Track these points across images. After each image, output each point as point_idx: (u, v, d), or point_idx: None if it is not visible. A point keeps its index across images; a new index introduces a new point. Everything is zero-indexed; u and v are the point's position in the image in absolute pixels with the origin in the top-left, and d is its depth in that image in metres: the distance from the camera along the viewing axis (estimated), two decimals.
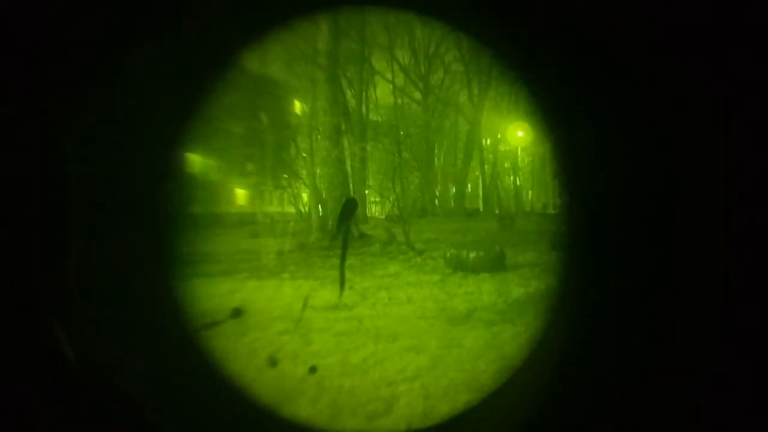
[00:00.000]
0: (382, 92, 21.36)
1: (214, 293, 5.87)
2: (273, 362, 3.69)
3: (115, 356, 1.81)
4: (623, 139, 1.61)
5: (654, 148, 1.51)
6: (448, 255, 8.26)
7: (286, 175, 16.20)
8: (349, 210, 6.67)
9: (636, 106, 1.53)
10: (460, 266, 7.83)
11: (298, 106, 19.59)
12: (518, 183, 25.83)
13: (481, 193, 24.93)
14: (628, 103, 1.55)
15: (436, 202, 23.47)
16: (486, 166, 23.84)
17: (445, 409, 2.99)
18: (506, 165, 26.87)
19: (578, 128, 1.74)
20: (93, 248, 1.94)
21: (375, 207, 25.57)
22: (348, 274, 7.31)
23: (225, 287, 6.72)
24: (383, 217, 19.87)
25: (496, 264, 7.69)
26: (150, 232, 2.21)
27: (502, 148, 25.06)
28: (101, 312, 1.88)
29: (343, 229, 6.40)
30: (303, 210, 15.84)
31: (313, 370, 3.54)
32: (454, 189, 23.83)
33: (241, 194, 20.61)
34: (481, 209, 23.00)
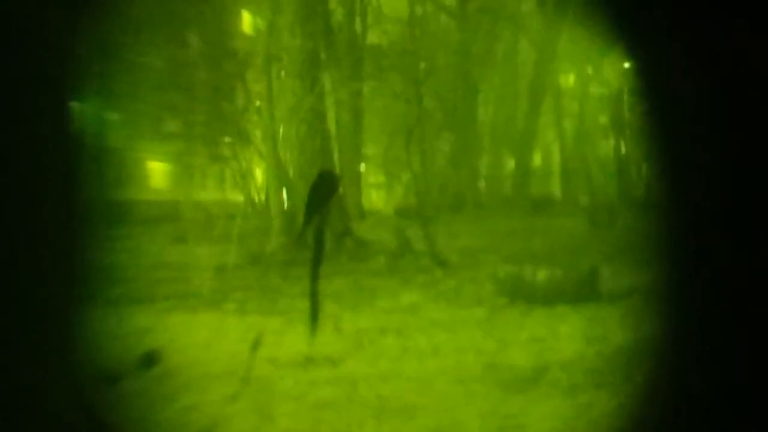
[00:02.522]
0: None
1: (115, 333, 5.94)
2: None
3: None
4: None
5: None
6: (501, 275, 8.37)
7: (229, 139, 16.25)
8: (323, 191, 6.73)
9: None
10: (521, 294, 7.95)
11: (249, 23, 19.61)
12: (624, 150, 25.46)
13: (557, 168, 24.89)
14: None
15: (482, 184, 23.53)
16: (567, 122, 23.75)
17: None
18: (602, 120, 26.70)
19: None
20: None
21: (377, 193, 25.58)
22: (332, 307, 7.40)
23: (134, 323, 6.74)
24: (391, 210, 19.94)
25: (584, 290, 7.81)
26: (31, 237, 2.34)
27: (595, 91, 24.93)
28: None
29: (315, 223, 6.47)
30: (257, 198, 15.91)
31: None
32: (512, 162, 23.85)
33: (157, 171, 20.60)
34: (559, 196, 23.01)
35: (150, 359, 5.18)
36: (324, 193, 6.60)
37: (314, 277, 6.22)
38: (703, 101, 2.59)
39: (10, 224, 2.56)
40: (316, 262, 6.28)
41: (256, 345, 5.56)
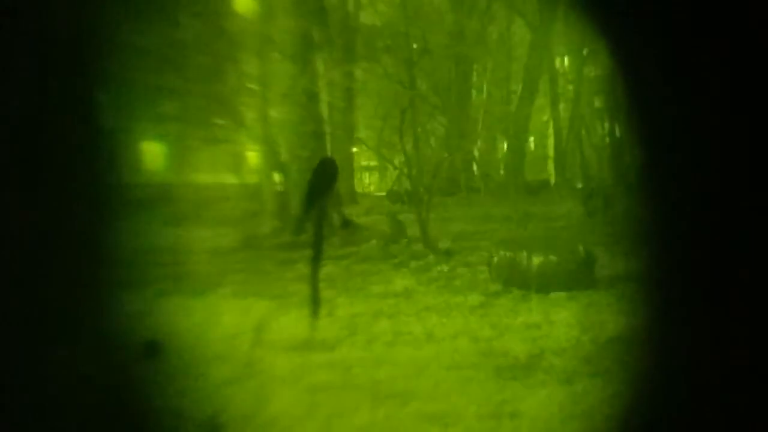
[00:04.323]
0: None
1: (113, 317, 5.98)
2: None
3: None
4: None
5: None
6: (495, 261, 8.46)
7: (221, 121, 16.23)
8: (324, 178, 6.78)
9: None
10: (516, 280, 8.04)
11: (242, 3, 19.55)
12: (619, 134, 25.44)
13: (552, 152, 24.94)
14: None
15: (475, 168, 23.55)
16: (562, 105, 23.75)
17: None
18: (597, 103, 26.68)
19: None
20: None
21: (369, 177, 25.61)
22: (326, 292, 7.45)
23: (128, 306, 6.77)
24: (383, 194, 19.96)
25: (579, 276, 7.90)
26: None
27: (590, 72, 24.87)
28: None
29: (316, 211, 6.52)
30: (250, 181, 15.91)
31: None
32: (505, 145, 23.87)
33: (150, 153, 20.56)
34: (553, 180, 23.07)
35: (152, 348, 5.22)
36: (325, 181, 6.65)
37: (315, 263, 6.28)
38: (696, 89, 2.61)
39: (10, 213, 2.59)
40: (317, 249, 6.33)
41: (259, 329, 5.62)
